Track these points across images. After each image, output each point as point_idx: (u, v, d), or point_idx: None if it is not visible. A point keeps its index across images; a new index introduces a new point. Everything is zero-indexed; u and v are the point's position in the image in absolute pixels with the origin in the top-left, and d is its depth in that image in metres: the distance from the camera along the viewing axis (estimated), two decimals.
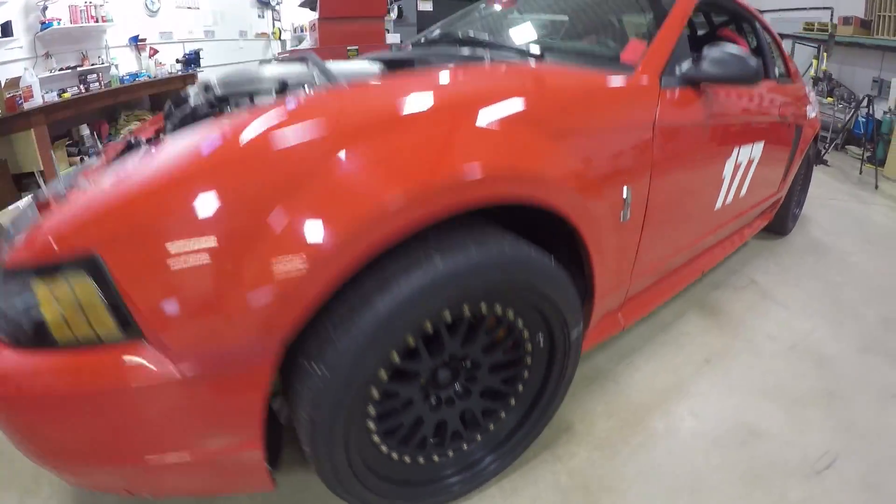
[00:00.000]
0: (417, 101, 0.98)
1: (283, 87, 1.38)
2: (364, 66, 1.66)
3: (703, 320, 2.27)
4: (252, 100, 1.36)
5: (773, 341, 2.16)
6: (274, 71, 1.43)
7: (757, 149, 2.16)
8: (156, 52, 4.90)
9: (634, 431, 1.60)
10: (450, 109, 1.00)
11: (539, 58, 1.59)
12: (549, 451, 1.48)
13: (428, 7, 4.85)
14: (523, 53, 1.65)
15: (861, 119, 6.51)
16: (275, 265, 0.78)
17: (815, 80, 6.99)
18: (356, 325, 0.87)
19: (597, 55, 1.75)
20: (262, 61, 1.90)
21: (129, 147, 1.32)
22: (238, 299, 0.77)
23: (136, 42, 4.76)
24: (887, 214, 4.21)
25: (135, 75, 4.54)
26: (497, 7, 2.41)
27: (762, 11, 10.06)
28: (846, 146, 6.61)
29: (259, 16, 6.86)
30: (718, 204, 2.04)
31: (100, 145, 4.11)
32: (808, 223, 3.65)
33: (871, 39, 6.41)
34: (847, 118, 6.51)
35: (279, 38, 7.43)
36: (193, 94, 1.44)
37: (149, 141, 1.35)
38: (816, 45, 7.86)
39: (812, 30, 7.64)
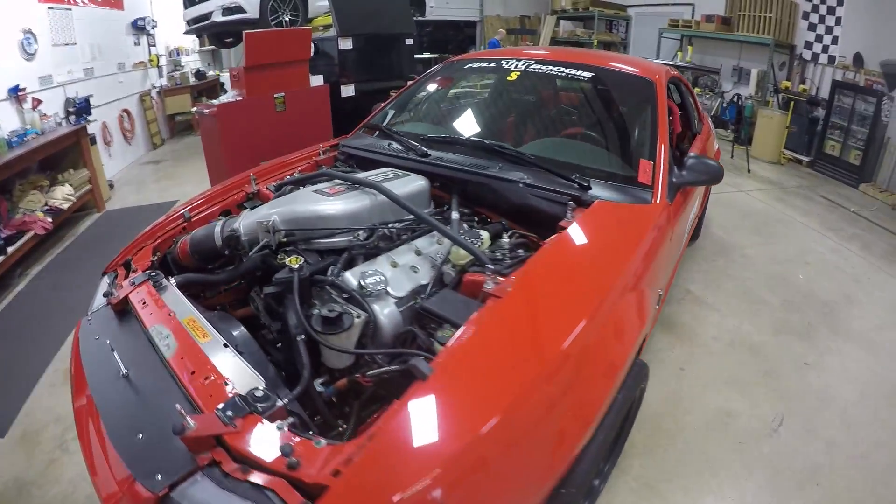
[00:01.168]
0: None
1: (370, 234, 1.60)
2: (417, 185, 1.87)
3: (667, 336, 3.15)
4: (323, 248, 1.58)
5: (718, 341, 3.11)
6: (338, 207, 1.61)
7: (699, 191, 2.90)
8: (39, 102, 4.65)
9: (660, 436, 2.37)
10: (608, 313, 1.36)
11: (586, 188, 1.83)
12: (617, 468, 2.20)
13: (348, 45, 5.25)
14: (565, 179, 1.87)
15: (723, 105, 8.28)
16: None
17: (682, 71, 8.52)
18: None
19: (618, 175, 2.00)
20: (300, 182, 2.17)
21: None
22: None
23: (17, 93, 4.47)
24: (763, 200, 5.65)
25: (21, 135, 4.29)
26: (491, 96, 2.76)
27: (629, 6, 11.75)
28: (715, 129, 8.37)
29: (135, 43, 6.63)
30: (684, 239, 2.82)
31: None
32: (707, 223, 4.82)
33: (731, 35, 8.13)
34: (715, 106, 8.21)
35: (157, 66, 7.21)
36: (244, 227, 1.61)
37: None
38: (679, 39, 9.63)
39: (677, 25, 9.35)
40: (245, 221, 1.66)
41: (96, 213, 4.99)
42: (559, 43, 11.57)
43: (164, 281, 1.54)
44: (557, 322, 1.27)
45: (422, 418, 0.97)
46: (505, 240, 1.68)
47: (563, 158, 2.09)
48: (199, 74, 8.03)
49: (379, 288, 1.39)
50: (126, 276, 1.68)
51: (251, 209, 1.96)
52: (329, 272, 1.47)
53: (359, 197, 1.67)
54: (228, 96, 4.65)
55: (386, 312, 1.35)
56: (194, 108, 5.06)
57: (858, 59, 6.62)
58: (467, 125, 2.67)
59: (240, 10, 5.60)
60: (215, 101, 4.61)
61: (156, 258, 1.76)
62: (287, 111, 4.85)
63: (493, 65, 2.74)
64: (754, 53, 7.98)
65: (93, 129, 5.22)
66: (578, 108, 2.67)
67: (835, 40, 6.89)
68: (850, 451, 2.37)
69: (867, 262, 4.33)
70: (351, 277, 1.43)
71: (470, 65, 2.91)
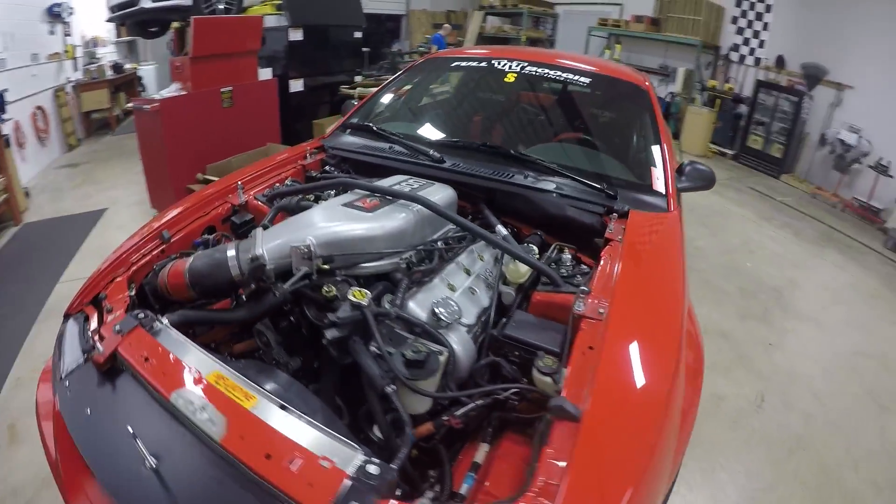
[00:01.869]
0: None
1: (423, 255, 1.42)
2: (447, 195, 1.67)
3: None
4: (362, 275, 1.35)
5: None
6: (383, 225, 1.38)
7: None
8: None
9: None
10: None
11: (614, 197, 1.77)
12: None
13: (298, 37, 5.02)
14: (592, 188, 1.79)
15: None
16: None
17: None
18: None
19: (635, 183, 1.95)
20: (305, 192, 1.85)
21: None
22: None
23: None
24: (701, 192, 6.06)
25: None
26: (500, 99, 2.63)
27: (557, 3, 12.17)
28: None
29: (50, 32, 5.92)
30: None
31: None
32: None
33: (660, 36, 8.64)
34: None
35: (73, 58, 6.51)
36: (269, 253, 1.30)
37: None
38: (607, 37, 10.10)
39: (606, 24, 9.81)
40: (269, 246, 1.32)
41: (13, 226, 4.33)
42: (486, 39, 11.73)
43: (158, 323, 1.20)
44: (660, 349, 1.18)
45: (589, 469, 0.89)
46: (566, 255, 1.57)
47: (576, 165, 2.01)
48: (116, 67, 7.32)
49: (455, 318, 1.23)
50: (101, 319, 1.31)
51: (240, 223, 1.75)
52: (384, 302, 1.28)
53: (400, 212, 1.45)
54: (171, 90, 4.30)
55: (463, 344, 1.22)
56: (131, 104, 4.60)
57: (781, 61, 7.29)
58: (469, 128, 2.58)
59: None
60: (157, 95, 4.25)
61: (133, 292, 1.40)
62: (234, 107, 4.56)
63: (483, 64, 2.61)
64: (680, 53, 8.54)
65: (6, 128, 4.61)
66: (581, 114, 2.61)
67: (761, 44, 7.54)
68: (824, 419, 2.63)
69: (801, 248, 4.79)
70: (417, 308, 1.26)
71: (457, 63, 2.80)
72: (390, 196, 1.54)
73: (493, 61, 2.56)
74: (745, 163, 7.53)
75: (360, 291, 1.19)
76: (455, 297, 1.32)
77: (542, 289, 1.38)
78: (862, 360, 3.17)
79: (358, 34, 5.89)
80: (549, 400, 1.02)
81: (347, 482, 0.84)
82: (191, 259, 1.36)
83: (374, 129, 2.26)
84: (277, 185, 1.98)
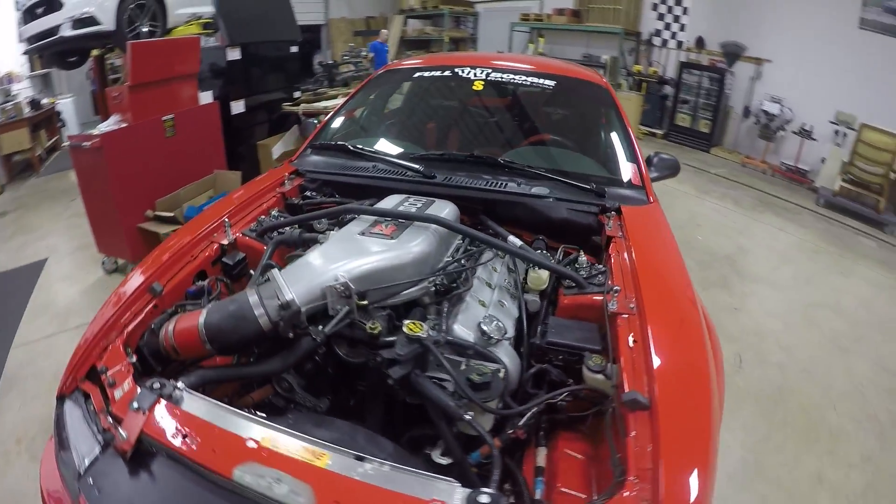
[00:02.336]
0: None
1: (454, 276, 1.39)
2: (451, 211, 1.66)
3: None
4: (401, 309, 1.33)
5: None
6: (412, 251, 1.35)
7: None
8: None
9: None
10: None
11: (602, 195, 1.82)
12: None
13: (236, 56, 4.88)
14: (581, 189, 1.83)
15: None
16: None
17: None
18: None
19: (615, 179, 2.02)
20: (307, 221, 1.72)
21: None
22: None
23: None
24: None
25: None
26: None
27: (476, 2, 12.42)
28: None
29: None
30: None
31: None
32: None
33: (583, 26, 9.03)
34: None
35: None
36: (299, 296, 1.21)
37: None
38: (529, 32, 10.43)
39: (528, 19, 10.13)
40: (297, 288, 1.22)
41: None
42: (409, 43, 11.81)
43: (177, 390, 1.08)
44: (690, 332, 1.23)
45: (674, 450, 0.93)
46: (582, 257, 1.59)
47: (559, 168, 2.04)
48: (34, 104, 6.79)
49: (503, 334, 1.26)
50: (106, 396, 1.15)
51: (232, 263, 1.62)
52: (428, 329, 1.23)
53: (421, 234, 1.44)
54: (109, 123, 4.08)
55: (511, 357, 1.25)
56: (67, 142, 4.31)
57: (701, 42, 7.82)
58: (445, 139, 2.58)
59: (93, 21, 4.84)
60: (95, 131, 4.01)
61: (134, 359, 1.25)
62: (177, 135, 4.35)
63: (447, 73, 2.59)
64: (603, 42, 8.97)
65: None
66: (550, 117, 2.70)
67: (682, 27, 8.08)
68: (796, 368, 2.91)
69: (743, 216, 5.18)
70: (463, 330, 1.27)
71: (419, 73, 2.71)
72: (405, 219, 1.51)
73: (456, 70, 2.56)
74: (676, 140, 8.01)
75: (415, 324, 1.15)
76: (491, 313, 1.35)
77: (568, 292, 1.43)
78: (817, 310, 3.51)
79: (294, 48, 5.79)
80: (605, 395, 1.09)
81: None
82: (203, 314, 1.23)
83: (351, 148, 2.17)
84: (263, 217, 1.85)
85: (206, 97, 4.77)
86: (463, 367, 1.16)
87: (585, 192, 1.83)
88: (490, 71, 2.50)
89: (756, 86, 7.24)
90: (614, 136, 2.27)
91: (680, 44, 8.14)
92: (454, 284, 1.40)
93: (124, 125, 4.04)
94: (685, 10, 7.99)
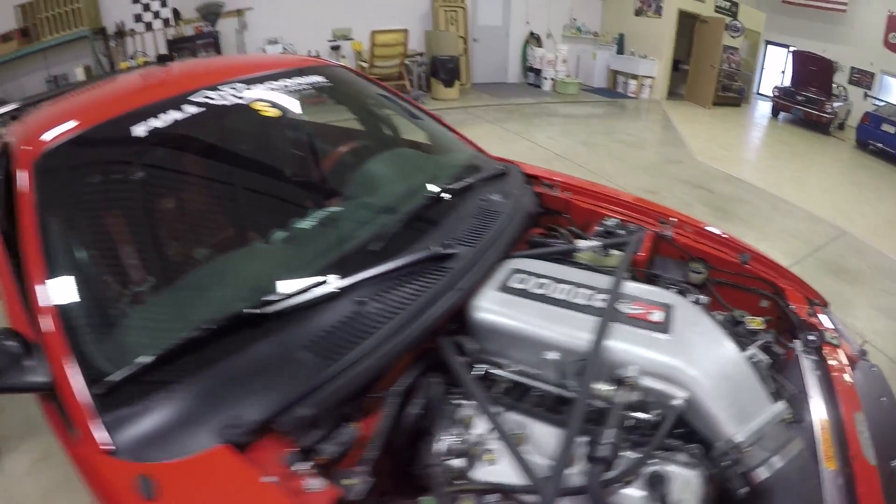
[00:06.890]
0: None
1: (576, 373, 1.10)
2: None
3: None
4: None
5: None
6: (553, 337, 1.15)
7: None
8: None
9: None
10: None
11: (503, 173, 1.81)
12: None
13: None
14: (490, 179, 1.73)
15: None
16: None
17: None
18: None
19: (479, 156, 1.98)
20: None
21: None
22: None
23: None
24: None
25: None
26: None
27: None
28: None
29: None
30: None
31: None
32: None
33: (39, 45, 6.62)
34: None
35: None
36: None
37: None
38: None
39: None
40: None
41: None
42: None
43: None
44: None
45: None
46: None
47: (434, 173, 1.73)
48: None
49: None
50: None
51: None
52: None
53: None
54: None
55: None
56: None
57: (177, 14, 7.52)
58: (239, 219, 1.67)
59: None
60: None
61: None
62: None
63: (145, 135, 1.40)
64: (68, 54, 6.99)
65: None
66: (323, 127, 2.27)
67: (164, 3, 7.36)
68: (629, 167, 6.58)
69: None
70: None
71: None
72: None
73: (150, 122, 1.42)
74: None
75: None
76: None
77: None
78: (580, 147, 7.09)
79: None
80: None
81: None
82: None
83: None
84: None
85: None
86: None
87: (500, 175, 1.79)
88: (226, 88, 1.61)
89: (245, 36, 8.00)
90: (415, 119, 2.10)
91: (166, 21, 7.56)
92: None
93: None
94: None
